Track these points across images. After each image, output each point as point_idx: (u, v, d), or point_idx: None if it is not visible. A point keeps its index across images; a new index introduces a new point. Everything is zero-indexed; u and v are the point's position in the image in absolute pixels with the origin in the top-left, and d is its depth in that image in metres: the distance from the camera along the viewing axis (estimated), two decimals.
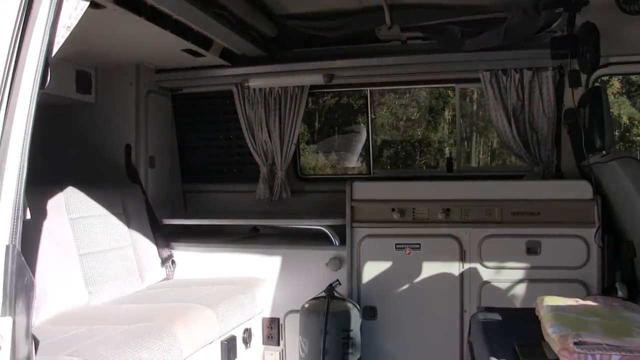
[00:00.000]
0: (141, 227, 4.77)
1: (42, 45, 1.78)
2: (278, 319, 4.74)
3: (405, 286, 4.45)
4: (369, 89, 5.32)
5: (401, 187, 4.62)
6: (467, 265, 4.32)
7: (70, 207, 4.14)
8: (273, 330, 4.74)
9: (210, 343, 3.84)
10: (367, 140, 5.45)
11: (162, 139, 5.41)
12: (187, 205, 5.71)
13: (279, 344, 4.75)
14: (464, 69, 4.79)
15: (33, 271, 3.62)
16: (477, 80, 4.79)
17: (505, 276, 4.26)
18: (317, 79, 5.00)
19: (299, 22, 4.92)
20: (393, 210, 4.45)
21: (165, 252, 4.91)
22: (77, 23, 2.02)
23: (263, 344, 4.76)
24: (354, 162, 6.92)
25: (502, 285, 4.27)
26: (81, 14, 2.01)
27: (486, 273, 4.30)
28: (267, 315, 4.76)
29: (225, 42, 4.76)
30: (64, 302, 3.82)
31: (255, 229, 5.30)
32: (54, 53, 1.89)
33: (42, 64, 1.78)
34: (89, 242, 4.19)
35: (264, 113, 5.24)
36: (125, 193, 4.75)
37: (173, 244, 5.00)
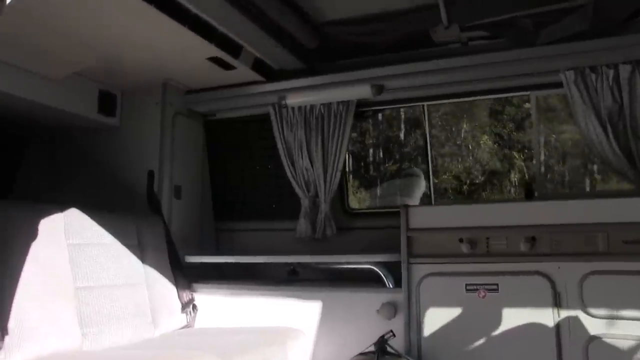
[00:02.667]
0: (159, 264, 4.06)
1: None
2: None
3: (480, 340, 3.46)
4: (425, 103, 4.50)
5: (470, 212, 3.69)
6: (564, 313, 3.30)
7: (70, 231, 3.51)
8: None
9: None
10: (426, 164, 4.59)
11: (191, 168, 4.78)
12: (219, 244, 4.97)
13: None
14: (540, 70, 3.92)
15: (11, 301, 2.95)
16: (558, 84, 3.91)
17: (624, 329, 3.16)
18: (365, 92, 4.26)
19: (341, 28, 4.27)
20: (461, 240, 3.55)
21: (187, 295, 4.16)
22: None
23: None
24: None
25: (620, 343, 3.16)
26: None
27: (594, 324, 3.23)
28: None
29: (257, 50, 4.16)
30: (48, 343, 3.09)
31: (293, 271, 4.46)
32: None
33: None
34: (88, 274, 3.51)
35: (304, 136, 4.53)
36: (143, 223, 4.08)
37: (196, 285, 4.25)
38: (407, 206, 3.76)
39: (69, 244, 3.46)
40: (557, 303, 3.31)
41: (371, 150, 18.84)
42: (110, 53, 3.93)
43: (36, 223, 3.30)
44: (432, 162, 4.60)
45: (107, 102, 4.51)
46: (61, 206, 3.52)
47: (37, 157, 4.91)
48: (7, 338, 2.92)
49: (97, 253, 3.62)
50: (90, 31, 3.59)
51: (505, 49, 3.91)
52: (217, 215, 5.02)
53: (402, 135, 19.06)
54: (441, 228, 3.64)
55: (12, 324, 2.96)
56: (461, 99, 4.42)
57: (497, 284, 3.45)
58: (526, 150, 17.63)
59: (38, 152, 4.94)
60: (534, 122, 4.24)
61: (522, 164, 17.03)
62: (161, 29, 3.53)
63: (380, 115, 19.61)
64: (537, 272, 3.38)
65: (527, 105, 18.19)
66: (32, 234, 3.25)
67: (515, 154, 17.36)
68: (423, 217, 3.71)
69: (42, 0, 3.15)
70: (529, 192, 4.26)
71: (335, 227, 4.47)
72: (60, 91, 4.10)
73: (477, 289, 3.49)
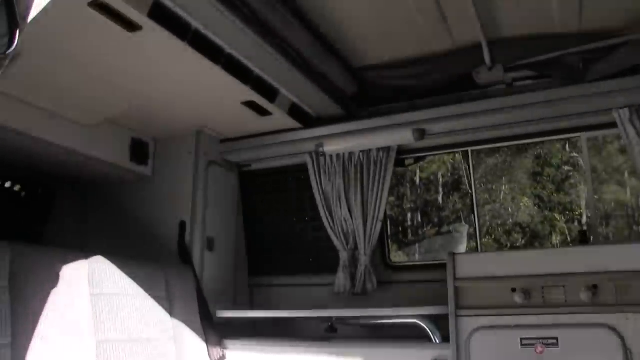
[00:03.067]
0: (188, 318, 3.83)
1: None
2: None
3: None
4: (469, 149, 4.27)
5: (523, 258, 3.39)
6: None
7: (93, 280, 3.33)
8: None
9: None
10: (472, 210, 4.30)
11: (224, 220, 4.60)
12: (253, 300, 4.71)
13: None
14: (591, 109, 3.68)
15: (27, 351, 2.76)
16: (611, 124, 3.66)
17: None
18: (406, 137, 4.07)
19: (381, 72, 4.15)
20: (514, 290, 3.25)
21: (217, 352, 3.89)
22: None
23: None
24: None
25: None
26: None
27: None
28: None
29: (294, 94, 4.05)
30: None
31: (331, 327, 4.15)
32: None
33: None
34: (112, 326, 3.31)
35: (343, 185, 4.33)
36: (173, 274, 3.89)
37: (227, 342, 3.97)
38: (454, 254, 3.48)
39: (92, 294, 3.28)
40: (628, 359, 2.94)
41: (409, 215, 18.57)
42: (144, 98, 3.85)
43: (58, 269, 3.14)
44: (477, 209, 4.32)
45: (139, 151, 4.43)
46: (86, 253, 3.37)
47: (68, 205, 4.82)
48: None
49: (121, 304, 3.42)
50: (123, 75, 3.53)
51: (552, 88, 3.70)
52: (251, 269, 4.78)
53: (440, 199, 18.78)
54: (492, 277, 3.33)
55: None
56: (508, 143, 4.20)
57: (556, 338, 3.10)
58: (567, 212, 17.17)
59: (68, 201, 4.85)
60: (585, 166, 3.97)
61: (564, 225, 16.51)
62: (195, 70, 3.44)
63: (418, 180, 19.45)
64: (603, 325, 3.03)
65: (566, 167, 17.85)
66: (54, 281, 3.09)
67: (556, 215, 16.89)
68: (472, 265, 3.42)
69: (75, 42, 3.11)
70: (583, 238, 3.94)
71: (376, 281, 4.19)
72: (92, 138, 4.04)
73: (533, 344, 3.14)
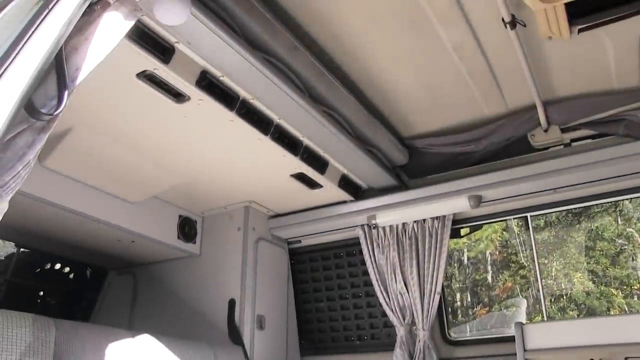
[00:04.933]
0: None
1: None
2: None
3: None
4: (529, 214, 4.05)
5: (602, 326, 3.10)
6: None
7: (142, 357, 3.16)
8: None
9: None
10: (536, 280, 4.03)
11: (275, 297, 4.44)
12: None
13: None
14: None
15: None
16: None
17: None
18: (462, 204, 3.92)
19: (432, 140, 4.07)
20: None
21: None
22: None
23: None
24: None
25: None
26: None
27: None
28: None
29: (344, 166, 3.97)
30: None
31: None
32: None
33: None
34: None
35: (397, 257, 4.15)
36: (222, 354, 3.72)
37: None
38: (522, 323, 3.22)
39: None
40: None
41: (458, 295, 17.95)
42: (192, 173, 3.84)
43: (104, 348, 3.01)
44: (540, 275, 4.06)
45: (187, 228, 4.39)
46: (132, 332, 3.24)
47: (116, 285, 4.75)
48: None
49: None
50: (171, 149, 3.53)
51: (614, 145, 3.53)
52: (303, 349, 4.55)
53: (489, 278, 18.13)
54: (566, 347, 3.05)
55: None
56: (569, 207, 3.97)
57: None
58: (625, 287, 16.35)
59: (117, 281, 4.79)
60: None
61: (623, 301, 15.65)
62: (244, 141, 3.41)
63: (465, 259, 18.92)
64: None
65: (620, 240, 17.13)
66: (100, 358, 2.96)
67: (612, 290, 16.05)
68: (543, 335, 3.16)
69: (123, 115, 3.13)
70: None
71: (437, 358, 3.91)
72: (140, 215, 4.02)
73: None
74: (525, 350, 3.14)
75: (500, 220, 4.37)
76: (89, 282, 4.88)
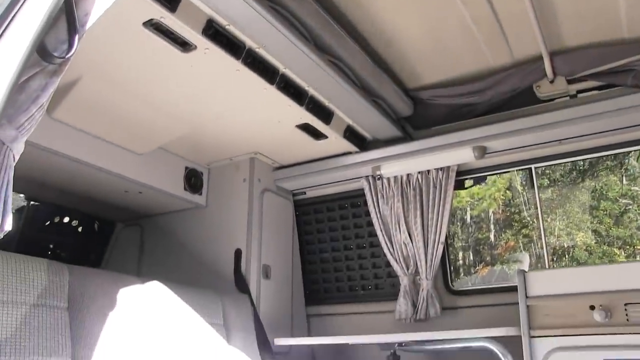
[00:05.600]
0: (246, 346, 3.71)
1: None
2: None
3: None
4: (533, 166, 4.07)
5: (603, 273, 3.15)
6: None
7: (150, 304, 3.25)
8: None
9: None
10: (539, 229, 4.08)
11: (280, 248, 4.51)
12: (311, 331, 4.55)
13: None
14: None
15: None
16: None
17: None
18: (466, 155, 3.94)
19: (437, 91, 4.06)
20: (592, 308, 3.00)
21: None
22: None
23: None
24: None
25: None
26: None
27: None
28: None
29: (349, 116, 3.98)
30: None
31: (394, 356, 3.96)
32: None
33: None
34: (169, 350, 3.20)
35: (402, 208, 4.19)
36: (229, 302, 3.80)
37: None
38: (524, 271, 3.27)
39: (148, 318, 3.20)
40: None
41: (461, 254, 18.12)
42: (197, 123, 3.86)
43: (115, 292, 3.08)
44: (543, 223, 4.09)
45: (193, 180, 4.44)
46: (142, 278, 3.32)
47: (124, 237, 4.84)
48: None
49: (177, 329, 3.33)
50: (177, 99, 3.54)
51: (622, 96, 3.52)
52: (308, 299, 4.65)
53: (492, 237, 18.27)
54: (568, 294, 3.10)
55: None
56: (574, 158, 3.98)
57: None
58: (627, 247, 16.45)
59: (125, 232, 4.88)
60: None
61: (625, 260, 15.76)
62: (250, 90, 3.42)
63: (468, 218, 19.01)
64: None
65: (624, 200, 17.18)
66: (111, 304, 3.04)
67: (615, 250, 16.17)
68: (544, 282, 3.20)
69: (130, 64, 3.13)
70: None
71: (439, 306, 4.00)
72: (147, 166, 4.07)
73: None
74: (527, 297, 3.20)
75: (504, 172, 4.39)
76: (98, 234, 4.96)
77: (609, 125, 3.59)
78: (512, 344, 3.27)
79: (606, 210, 17.44)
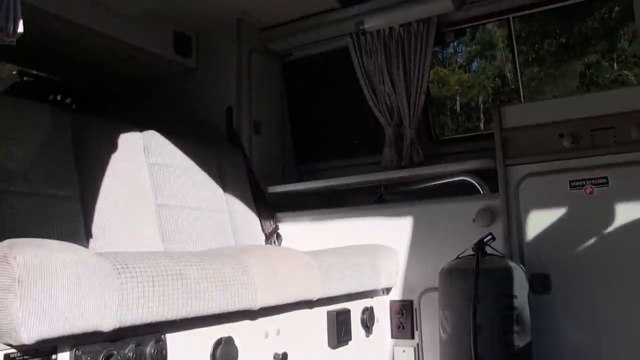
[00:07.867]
0: (240, 194, 3.97)
1: None
2: (411, 302, 3.58)
3: (590, 240, 3.11)
4: (511, 16, 4.15)
5: (570, 104, 3.32)
6: None
7: (149, 150, 3.46)
8: (405, 317, 3.57)
9: (308, 305, 2.83)
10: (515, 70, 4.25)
11: (270, 107, 4.69)
12: None
13: (412, 336, 3.56)
14: None
15: (94, 208, 2.93)
16: None
17: None
18: (445, 5, 4.01)
19: None
20: (561, 136, 3.22)
21: (270, 225, 4.04)
22: None
23: (392, 337, 3.60)
24: None
25: None
26: None
27: None
28: (397, 297, 3.62)
29: None
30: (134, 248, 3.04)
31: (380, 198, 4.25)
32: None
33: None
34: (169, 194, 3.45)
35: (385, 61, 4.32)
36: (223, 153, 4.02)
37: (280, 215, 4.11)
38: (499, 105, 3.47)
39: (149, 163, 3.41)
40: None
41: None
42: None
43: (115, 139, 3.26)
44: (518, 58, 4.26)
45: (182, 43, 4.53)
46: (140, 127, 3.49)
47: (117, 107, 5.00)
48: (91, 241, 2.89)
49: (177, 175, 3.55)
50: None
51: None
52: (298, 157, 4.89)
53: (481, 126, 18.51)
54: (538, 124, 3.31)
55: (95, 229, 2.93)
56: (552, 5, 4.05)
57: (606, 177, 3.08)
58: None
59: (117, 103, 5.04)
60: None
61: None
62: None
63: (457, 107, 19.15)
64: None
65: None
66: (113, 150, 3.22)
67: None
68: (518, 115, 3.40)
69: None
70: None
71: (422, 154, 4.23)
72: (136, 29, 4.14)
73: (583, 185, 3.14)
74: (502, 129, 3.41)
75: (483, 23, 4.47)
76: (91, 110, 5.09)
77: None
78: (489, 179, 3.53)
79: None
